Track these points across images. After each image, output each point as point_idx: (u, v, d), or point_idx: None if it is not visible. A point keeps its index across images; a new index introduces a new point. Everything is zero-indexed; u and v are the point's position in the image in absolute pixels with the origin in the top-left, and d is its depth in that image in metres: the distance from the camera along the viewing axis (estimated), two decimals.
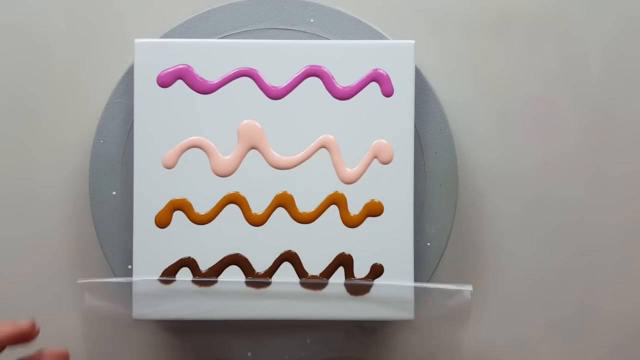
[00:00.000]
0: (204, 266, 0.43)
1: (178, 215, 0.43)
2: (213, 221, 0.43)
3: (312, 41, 0.44)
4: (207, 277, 0.43)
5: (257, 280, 0.43)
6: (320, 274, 0.43)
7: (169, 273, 0.43)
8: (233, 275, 0.43)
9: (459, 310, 0.46)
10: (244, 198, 0.43)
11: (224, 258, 0.43)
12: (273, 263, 0.43)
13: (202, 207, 0.43)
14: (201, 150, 0.43)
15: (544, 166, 0.48)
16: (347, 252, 0.43)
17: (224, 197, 0.43)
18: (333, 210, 0.44)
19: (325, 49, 0.43)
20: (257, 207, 0.43)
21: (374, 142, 0.43)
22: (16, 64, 0.48)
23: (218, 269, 0.43)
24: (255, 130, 0.43)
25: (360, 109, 0.43)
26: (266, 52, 0.43)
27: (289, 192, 0.43)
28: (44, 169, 0.48)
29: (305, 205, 0.43)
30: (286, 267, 0.43)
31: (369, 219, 0.44)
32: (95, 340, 0.46)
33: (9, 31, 0.48)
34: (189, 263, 0.43)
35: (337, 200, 0.44)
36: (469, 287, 0.43)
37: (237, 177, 0.43)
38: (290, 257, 0.43)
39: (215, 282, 0.43)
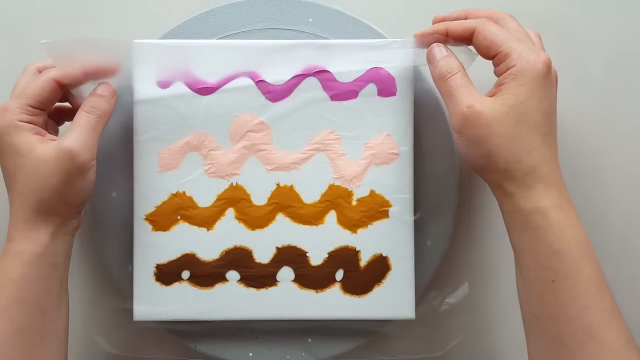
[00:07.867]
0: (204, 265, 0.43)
1: (178, 216, 0.43)
2: (213, 221, 0.43)
3: (312, 41, 0.44)
4: (206, 277, 0.43)
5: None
6: (321, 266, 0.44)
7: (170, 270, 0.43)
8: (233, 274, 0.44)
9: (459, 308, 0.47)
10: (244, 198, 0.43)
11: (224, 255, 0.44)
12: (273, 256, 0.44)
13: (202, 208, 0.43)
14: (201, 151, 0.43)
15: None
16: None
17: (224, 198, 0.43)
18: (333, 209, 0.44)
19: (324, 48, 0.43)
20: (257, 207, 0.43)
21: (374, 141, 0.43)
22: (16, 65, 0.48)
23: (218, 267, 0.44)
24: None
25: (360, 108, 0.43)
26: (266, 52, 0.43)
27: (289, 191, 0.43)
28: None
29: (305, 205, 0.43)
30: (286, 269, 0.44)
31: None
32: (96, 340, 0.46)
33: (9, 31, 0.48)
34: (189, 262, 0.43)
35: (337, 200, 0.43)
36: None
37: (237, 177, 0.43)
38: (290, 251, 0.44)
39: (216, 282, 0.43)
